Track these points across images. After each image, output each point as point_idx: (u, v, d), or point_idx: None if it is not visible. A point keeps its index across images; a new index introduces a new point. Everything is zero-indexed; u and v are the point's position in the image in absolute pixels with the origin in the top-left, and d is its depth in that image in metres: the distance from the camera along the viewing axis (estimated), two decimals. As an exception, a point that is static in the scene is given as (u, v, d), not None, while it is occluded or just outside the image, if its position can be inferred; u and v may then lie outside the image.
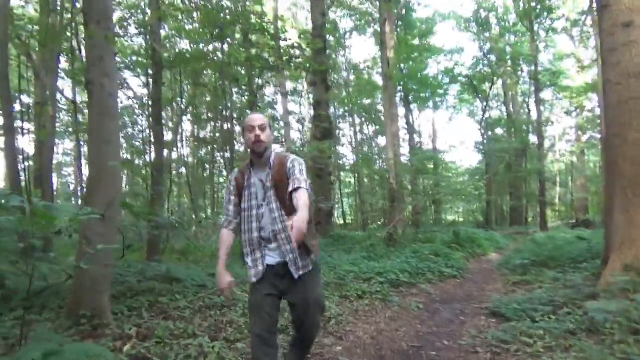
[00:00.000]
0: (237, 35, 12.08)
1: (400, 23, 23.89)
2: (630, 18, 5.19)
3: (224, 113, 9.79)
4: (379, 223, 20.77)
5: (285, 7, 26.04)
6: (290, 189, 2.42)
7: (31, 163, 12.10)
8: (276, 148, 18.56)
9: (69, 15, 10.82)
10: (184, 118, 17.59)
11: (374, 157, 27.17)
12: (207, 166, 24.32)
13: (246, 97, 13.08)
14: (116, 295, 5.22)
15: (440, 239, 11.17)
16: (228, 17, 10.57)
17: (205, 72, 11.19)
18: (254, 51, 10.46)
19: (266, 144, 2.60)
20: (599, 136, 27.40)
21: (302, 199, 2.30)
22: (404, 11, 24.55)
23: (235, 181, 2.69)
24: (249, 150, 2.67)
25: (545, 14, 20.24)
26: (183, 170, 20.47)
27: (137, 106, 16.94)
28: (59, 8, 11.28)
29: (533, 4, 19.43)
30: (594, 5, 15.88)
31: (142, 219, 5.80)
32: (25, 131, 14.81)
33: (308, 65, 10.69)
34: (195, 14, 10.21)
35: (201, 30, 9.81)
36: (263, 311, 2.54)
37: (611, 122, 5.40)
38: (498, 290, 6.60)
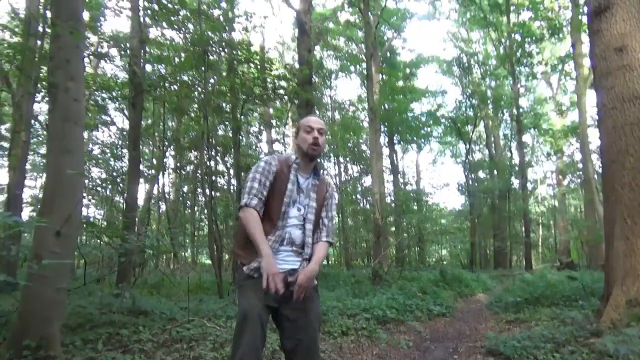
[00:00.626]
0: (222, 66, 11.91)
1: (384, 65, 24.28)
2: (623, 42, 5.09)
3: (207, 141, 9.44)
4: (363, 261, 20.29)
5: (271, 44, 26.39)
6: (323, 236, 2.45)
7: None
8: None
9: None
10: (166, 151, 17.20)
11: (358, 197, 26.97)
12: (189, 203, 23.81)
13: (229, 127, 12.81)
14: (71, 326, 4.67)
15: (426, 278, 10.74)
16: (213, 46, 10.42)
17: (188, 99, 10.90)
18: (238, 81, 10.25)
19: (321, 149, 2.48)
20: (578, 180, 27.86)
21: (322, 253, 2.42)
22: (388, 54, 25.09)
23: (277, 167, 2.44)
24: (300, 151, 2.49)
25: (525, 60, 20.74)
26: (163, 206, 19.91)
27: (118, 139, 16.55)
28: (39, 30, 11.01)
29: (514, 49, 19.89)
30: (572, 49, 16.37)
31: (106, 242, 5.29)
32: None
33: (294, 94, 10.51)
34: (179, 38, 10.03)
35: (184, 55, 9.59)
36: (259, 325, 2.12)
37: (608, 148, 5.19)
38: (492, 328, 6.17)
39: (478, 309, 8.43)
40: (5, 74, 12.03)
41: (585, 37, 16.17)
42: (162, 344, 4.21)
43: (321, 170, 2.59)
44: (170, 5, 8.85)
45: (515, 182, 23.33)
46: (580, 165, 23.22)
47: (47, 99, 12.05)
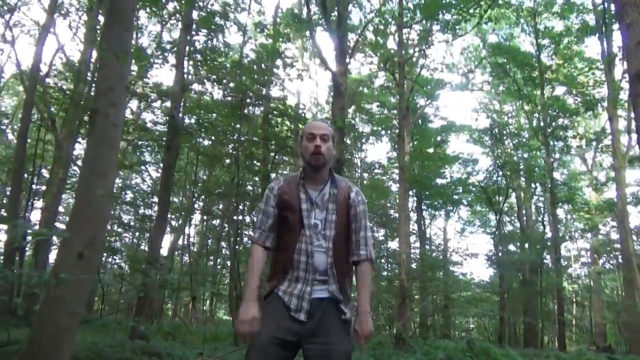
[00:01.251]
0: (258, 118, 12.25)
1: (415, 132, 24.54)
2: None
3: (237, 188, 9.52)
4: (385, 327, 19.46)
5: (306, 105, 27.17)
6: (361, 253, 2.19)
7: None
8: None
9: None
10: (195, 201, 17.44)
11: (382, 262, 26.36)
12: (212, 257, 23.74)
13: (258, 181, 12.95)
14: (79, 358, 4.50)
15: (452, 347, 10.12)
16: (251, 96, 10.78)
17: (221, 146, 11.17)
18: (271, 130, 10.48)
19: (325, 157, 2.21)
20: (614, 261, 26.61)
21: (367, 281, 2.17)
22: (420, 121, 25.41)
23: (279, 191, 2.25)
24: (304, 162, 2.27)
25: (560, 133, 20.61)
26: (186, 258, 19.89)
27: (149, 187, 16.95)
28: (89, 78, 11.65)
29: (547, 122, 19.84)
30: (610, 124, 16.18)
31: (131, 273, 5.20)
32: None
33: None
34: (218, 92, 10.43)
35: (222, 104, 9.92)
36: (262, 356, 1.94)
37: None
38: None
39: (509, 384, 7.80)
40: (53, 117, 12.65)
41: (621, 112, 16.06)
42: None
43: (340, 179, 2.32)
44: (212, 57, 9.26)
45: (548, 258, 22.45)
46: (617, 245, 22.31)
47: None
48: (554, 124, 20.18)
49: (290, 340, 1.99)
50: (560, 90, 21.04)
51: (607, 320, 22.81)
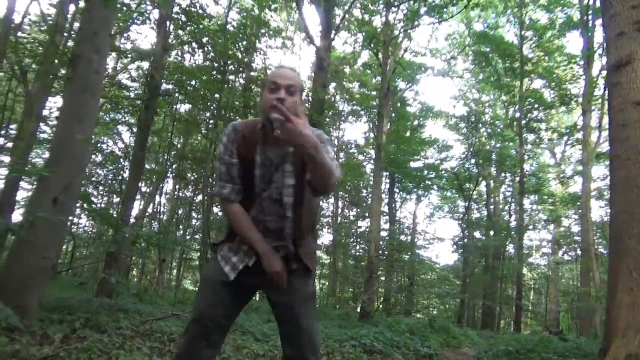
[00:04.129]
0: (238, 85, 12.08)
1: (394, 115, 24.66)
2: (642, 97, 5.14)
3: (214, 153, 9.43)
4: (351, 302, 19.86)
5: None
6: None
7: None
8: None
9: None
10: (168, 175, 17.19)
11: (351, 242, 26.64)
12: (181, 226, 23.54)
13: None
14: (48, 308, 4.46)
15: (414, 321, 10.45)
16: (233, 63, 10.60)
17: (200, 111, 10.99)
18: (252, 98, 10.38)
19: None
20: (572, 253, 27.69)
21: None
22: (399, 104, 25.55)
23: (237, 142, 1.96)
24: (262, 114, 1.91)
25: (534, 125, 21.05)
26: (156, 225, 19.65)
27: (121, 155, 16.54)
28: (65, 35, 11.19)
29: (523, 113, 20.22)
30: (582, 118, 16.65)
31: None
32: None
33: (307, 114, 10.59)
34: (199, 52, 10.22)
35: (205, 64, 9.74)
36: (221, 293, 1.92)
37: (618, 198, 5.16)
38: (481, 373, 5.93)
39: (467, 358, 8.15)
40: (25, 69, 12.15)
41: (594, 109, 16.50)
42: (141, 334, 4.01)
43: None
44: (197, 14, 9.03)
45: (511, 245, 23.20)
46: (576, 238, 23.19)
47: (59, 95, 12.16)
48: (529, 115, 20.60)
49: (248, 283, 1.97)
50: (538, 83, 21.45)
51: (560, 308, 23.86)
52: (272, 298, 2.04)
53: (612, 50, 5.19)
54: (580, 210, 17.38)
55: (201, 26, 10.10)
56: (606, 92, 8.96)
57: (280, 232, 1.97)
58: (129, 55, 11.54)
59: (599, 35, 15.37)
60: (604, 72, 13.01)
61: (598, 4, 13.05)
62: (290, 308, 1.98)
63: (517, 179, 21.03)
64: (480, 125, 24.65)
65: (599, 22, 14.32)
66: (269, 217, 1.96)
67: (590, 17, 15.36)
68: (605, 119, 12.96)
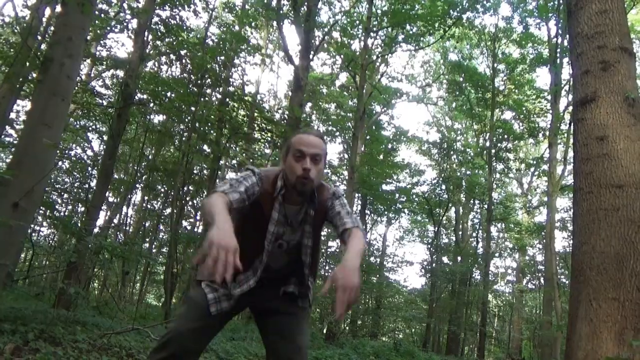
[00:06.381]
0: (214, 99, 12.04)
1: (368, 138, 24.98)
2: (605, 133, 5.35)
3: (185, 166, 9.32)
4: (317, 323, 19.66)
5: (265, 98, 26.93)
6: (348, 223, 1.88)
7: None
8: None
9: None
10: (137, 186, 16.88)
11: (321, 263, 26.58)
12: (147, 239, 23.02)
13: (206, 165, 12.70)
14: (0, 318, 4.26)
15: (380, 345, 10.42)
16: (211, 78, 10.58)
17: (174, 125, 10.88)
18: (227, 114, 10.35)
19: (314, 183, 1.87)
20: (536, 282, 28.30)
21: (358, 241, 1.78)
22: (373, 127, 25.91)
23: (261, 186, 1.91)
24: (287, 180, 1.91)
25: (503, 155, 21.63)
26: (121, 236, 19.15)
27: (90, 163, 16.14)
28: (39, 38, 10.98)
29: (493, 142, 20.77)
30: (549, 150, 17.21)
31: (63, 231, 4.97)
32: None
33: (282, 136, 10.62)
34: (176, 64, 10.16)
35: (182, 76, 9.68)
36: (204, 319, 1.88)
37: (580, 230, 5.29)
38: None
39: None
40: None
41: (560, 142, 17.09)
42: (99, 348, 3.86)
43: (322, 189, 2.00)
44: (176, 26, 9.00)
45: (477, 273, 23.54)
46: (540, 267, 23.74)
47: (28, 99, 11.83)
48: (499, 145, 21.17)
49: (232, 310, 1.97)
50: (508, 114, 22.13)
51: (523, 336, 24.20)
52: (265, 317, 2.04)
53: (578, 87, 5.42)
54: (544, 240, 17.82)
55: (180, 38, 10.06)
56: (572, 126, 9.32)
57: (287, 277, 2.04)
58: (104, 63, 11.38)
59: (566, 72, 16.07)
60: (570, 108, 13.56)
61: (566, 43, 13.68)
62: (285, 324, 1.98)
63: (486, 206, 21.48)
64: (452, 152, 25.17)
65: (566, 59, 14.97)
66: (276, 267, 2.01)
67: (558, 54, 16.03)
68: (570, 153, 13.47)
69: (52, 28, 8.83)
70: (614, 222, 4.75)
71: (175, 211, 10.29)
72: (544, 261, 19.07)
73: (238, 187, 1.81)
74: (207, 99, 11.43)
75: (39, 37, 10.69)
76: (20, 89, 10.97)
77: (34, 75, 10.51)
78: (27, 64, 10.14)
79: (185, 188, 12.02)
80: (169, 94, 10.66)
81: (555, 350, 14.29)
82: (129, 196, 16.43)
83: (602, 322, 4.69)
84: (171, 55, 11.39)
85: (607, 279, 4.84)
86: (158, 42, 11.14)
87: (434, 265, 24.10)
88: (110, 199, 16.52)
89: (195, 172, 13.40)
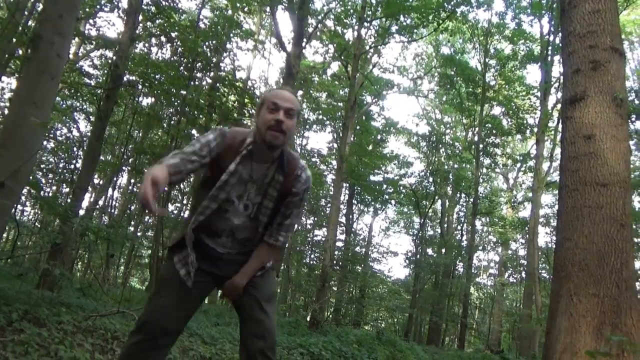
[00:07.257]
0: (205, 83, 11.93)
1: (358, 128, 24.98)
2: (592, 132, 5.42)
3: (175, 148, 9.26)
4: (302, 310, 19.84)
5: (257, 84, 26.73)
6: (273, 239, 2.04)
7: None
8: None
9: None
10: (124, 168, 16.68)
11: (307, 252, 26.66)
12: (132, 222, 22.85)
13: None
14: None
15: (363, 333, 10.53)
16: (202, 62, 10.47)
17: (163, 108, 10.77)
18: (217, 98, 10.26)
19: (286, 137, 1.86)
20: (518, 276, 28.78)
21: (265, 257, 2.03)
22: (364, 117, 25.91)
23: (223, 146, 1.92)
24: (258, 134, 1.90)
25: (491, 150, 21.82)
26: (105, 218, 18.97)
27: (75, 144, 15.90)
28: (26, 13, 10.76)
29: (482, 137, 20.92)
30: (536, 147, 17.40)
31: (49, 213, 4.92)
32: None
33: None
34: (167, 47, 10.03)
35: (172, 58, 9.56)
36: (175, 297, 1.89)
37: (564, 226, 5.38)
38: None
39: (410, 373, 8.27)
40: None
41: (547, 139, 17.27)
42: (84, 330, 3.86)
43: (290, 158, 2.00)
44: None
45: (460, 265, 23.85)
46: (522, 262, 24.14)
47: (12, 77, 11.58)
48: (487, 140, 21.33)
49: (205, 280, 1.99)
50: (497, 110, 22.28)
51: (503, 328, 24.64)
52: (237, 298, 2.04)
53: (568, 86, 5.48)
54: (527, 235, 18.09)
55: (172, 20, 9.92)
56: (560, 124, 9.43)
57: (247, 241, 2.04)
58: (94, 42, 11.19)
59: (556, 70, 16.19)
60: (559, 106, 13.69)
61: (558, 40, 13.78)
62: (255, 305, 1.98)
63: (471, 200, 21.70)
64: (441, 145, 25.31)
65: (557, 57, 15.08)
66: (239, 225, 2.00)
67: (550, 52, 16.13)
68: (557, 150, 13.64)
69: (41, 4, 8.65)
70: (597, 219, 4.84)
71: (162, 195, 10.22)
72: (526, 256, 19.40)
73: (184, 150, 1.88)
74: (197, 83, 11.32)
75: (26, 13, 10.46)
76: (6, 66, 10.75)
77: (20, 52, 10.31)
78: (14, 40, 9.94)
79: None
80: (158, 77, 10.53)
81: (534, 343, 14.59)
82: (115, 178, 16.27)
83: (582, 316, 4.80)
84: (162, 37, 11.23)
85: (588, 275, 4.95)
86: (149, 23, 10.97)
87: (418, 256, 24.35)
88: (96, 181, 16.34)
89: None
